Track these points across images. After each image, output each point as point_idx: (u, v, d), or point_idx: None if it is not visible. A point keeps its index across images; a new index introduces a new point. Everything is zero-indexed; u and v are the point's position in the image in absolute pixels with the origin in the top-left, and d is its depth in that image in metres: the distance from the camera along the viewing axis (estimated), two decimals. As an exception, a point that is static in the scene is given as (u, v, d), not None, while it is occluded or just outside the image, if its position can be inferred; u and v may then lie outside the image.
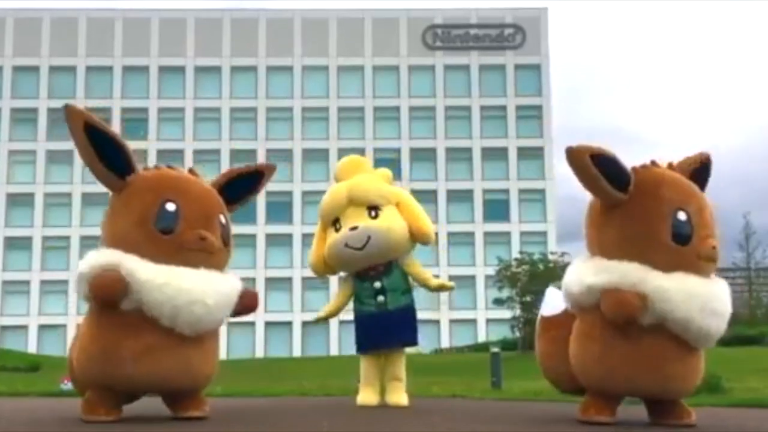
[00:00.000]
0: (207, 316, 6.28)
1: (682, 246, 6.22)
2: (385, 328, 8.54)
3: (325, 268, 8.88)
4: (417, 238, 8.68)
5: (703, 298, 6.17)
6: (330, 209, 8.66)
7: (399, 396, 8.62)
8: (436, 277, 9.55)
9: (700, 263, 6.25)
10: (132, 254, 6.28)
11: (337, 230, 8.55)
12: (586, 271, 6.46)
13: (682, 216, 6.26)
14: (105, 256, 6.29)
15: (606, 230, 6.49)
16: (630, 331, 6.21)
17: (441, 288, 9.23)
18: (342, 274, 9.15)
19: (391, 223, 8.44)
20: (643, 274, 6.21)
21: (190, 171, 6.97)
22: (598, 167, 6.30)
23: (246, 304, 6.69)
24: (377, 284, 8.56)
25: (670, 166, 6.66)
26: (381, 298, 8.56)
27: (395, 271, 8.63)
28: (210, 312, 6.29)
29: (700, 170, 6.73)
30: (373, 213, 8.46)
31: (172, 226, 6.33)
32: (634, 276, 6.23)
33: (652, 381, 6.27)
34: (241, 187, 7.11)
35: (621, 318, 6.19)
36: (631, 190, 6.37)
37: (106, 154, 6.29)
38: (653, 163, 6.65)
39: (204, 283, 6.30)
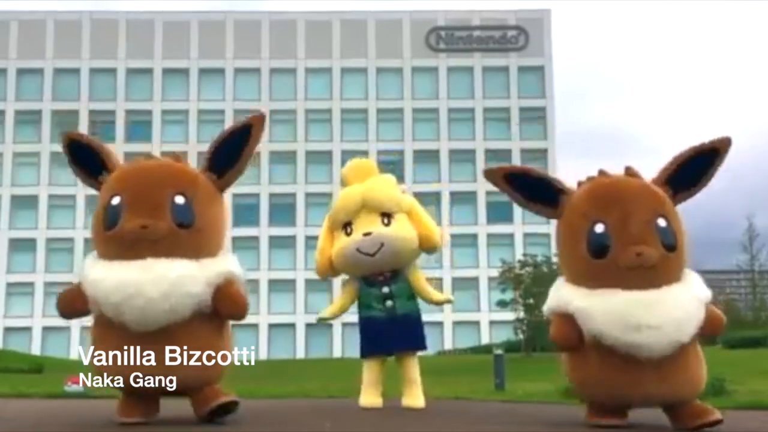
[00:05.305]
0: (152, 307, 5.80)
1: (600, 259, 6.09)
2: (393, 332, 8.54)
3: (330, 271, 8.86)
4: (424, 246, 8.67)
5: (622, 315, 5.92)
6: (342, 212, 8.61)
7: (413, 398, 8.60)
8: (439, 280, 9.57)
9: (623, 273, 6.01)
10: (94, 256, 6.28)
11: (348, 234, 8.51)
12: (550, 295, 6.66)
13: (599, 228, 6.13)
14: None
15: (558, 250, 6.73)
16: (583, 349, 6.22)
17: (440, 303, 9.15)
18: (344, 276, 9.12)
19: (403, 232, 8.45)
20: (570, 296, 6.24)
21: (174, 156, 6.79)
22: (516, 186, 6.61)
23: (223, 308, 6.14)
24: (385, 289, 8.57)
25: (628, 171, 6.51)
26: (389, 302, 8.56)
27: (401, 277, 8.64)
28: (155, 303, 5.80)
29: (697, 160, 6.36)
30: (386, 220, 8.45)
31: (117, 220, 6.10)
32: (564, 298, 6.30)
33: (625, 389, 6.17)
34: (233, 149, 6.56)
35: (560, 349, 6.46)
36: (562, 206, 6.45)
37: (87, 159, 6.48)
38: (601, 172, 6.55)
39: (143, 274, 5.83)
